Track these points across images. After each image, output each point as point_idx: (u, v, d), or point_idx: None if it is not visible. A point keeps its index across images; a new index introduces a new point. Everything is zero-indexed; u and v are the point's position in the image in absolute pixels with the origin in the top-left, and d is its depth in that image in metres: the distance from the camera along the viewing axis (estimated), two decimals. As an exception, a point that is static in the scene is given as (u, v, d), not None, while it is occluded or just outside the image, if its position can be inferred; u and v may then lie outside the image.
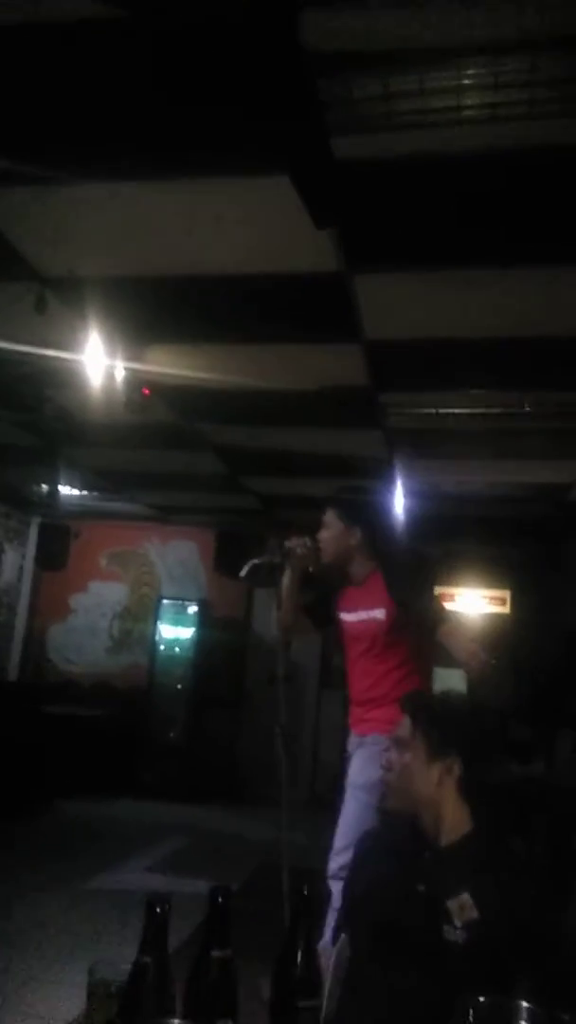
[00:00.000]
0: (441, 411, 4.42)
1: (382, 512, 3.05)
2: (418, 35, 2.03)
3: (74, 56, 2.07)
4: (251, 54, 1.93)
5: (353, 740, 2.85)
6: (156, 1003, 0.98)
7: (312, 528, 2.94)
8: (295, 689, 8.37)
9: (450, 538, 7.47)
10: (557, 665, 6.74)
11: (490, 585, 7.86)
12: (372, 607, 2.79)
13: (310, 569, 2.97)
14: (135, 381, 4.06)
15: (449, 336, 3.58)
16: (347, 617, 2.88)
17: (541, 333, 3.49)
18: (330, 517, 2.90)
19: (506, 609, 7.80)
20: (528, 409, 4.14)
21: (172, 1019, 0.93)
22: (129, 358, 3.83)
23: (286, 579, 2.96)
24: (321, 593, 3.04)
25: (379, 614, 2.77)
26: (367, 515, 2.94)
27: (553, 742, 5.71)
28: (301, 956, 1.12)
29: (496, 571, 7.74)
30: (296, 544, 2.90)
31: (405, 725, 1.63)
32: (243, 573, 3.00)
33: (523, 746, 5.14)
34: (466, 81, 2.18)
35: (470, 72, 2.16)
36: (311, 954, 1.13)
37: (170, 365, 3.98)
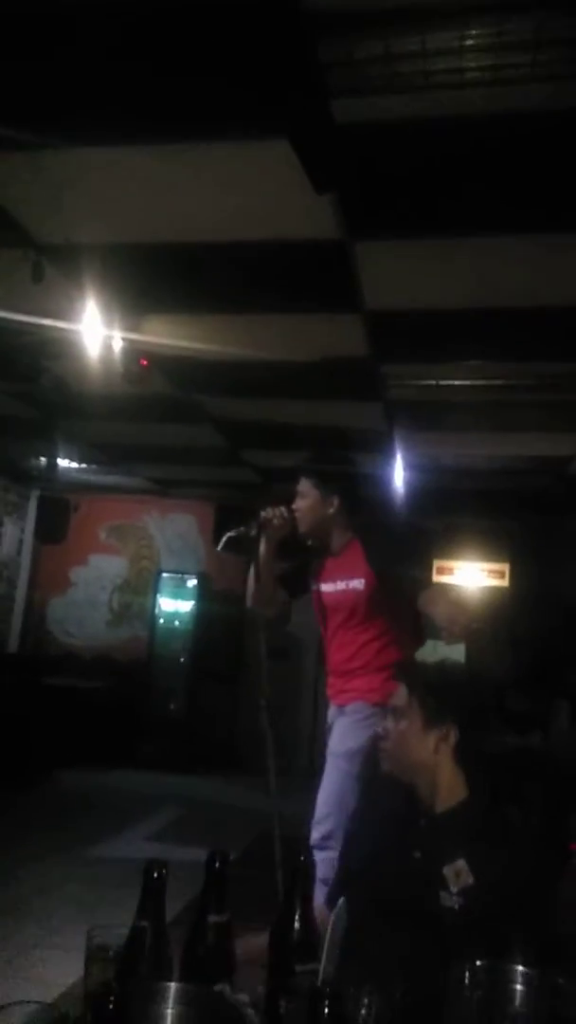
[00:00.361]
0: (441, 383, 4.39)
1: (359, 479, 3.00)
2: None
3: (71, 18, 2.02)
4: (249, 15, 1.88)
5: (333, 710, 2.83)
6: (153, 966, 0.99)
7: (288, 498, 2.90)
8: (292, 663, 8.42)
9: (449, 511, 7.47)
10: (555, 637, 6.78)
11: (489, 558, 7.86)
12: (351, 577, 2.76)
13: (286, 539, 2.93)
14: (132, 352, 4.02)
15: (450, 306, 3.55)
16: (325, 588, 2.84)
17: (543, 303, 3.45)
18: (305, 486, 2.85)
19: (505, 582, 7.82)
20: (530, 381, 4.10)
21: (169, 982, 0.94)
22: (126, 328, 3.79)
23: (261, 550, 2.90)
24: (297, 563, 2.99)
25: (358, 584, 2.74)
26: (344, 483, 2.89)
27: (550, 713, 5.75)
28: (298, 921, 1.12)
29: (495, 544, 7.74)
30: (271, 515, 2.84)
31: (401, 693, 1.63)
32: (220, 546, 2.97)
33: (520, 716, 5.17)
34: (469, 42, 2.13)
35: (473, 32, 2.11)
36: (308, 919, 1.14)
37: (168, 335, 3.94)
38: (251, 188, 2.68)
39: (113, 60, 2.09)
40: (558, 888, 1.73)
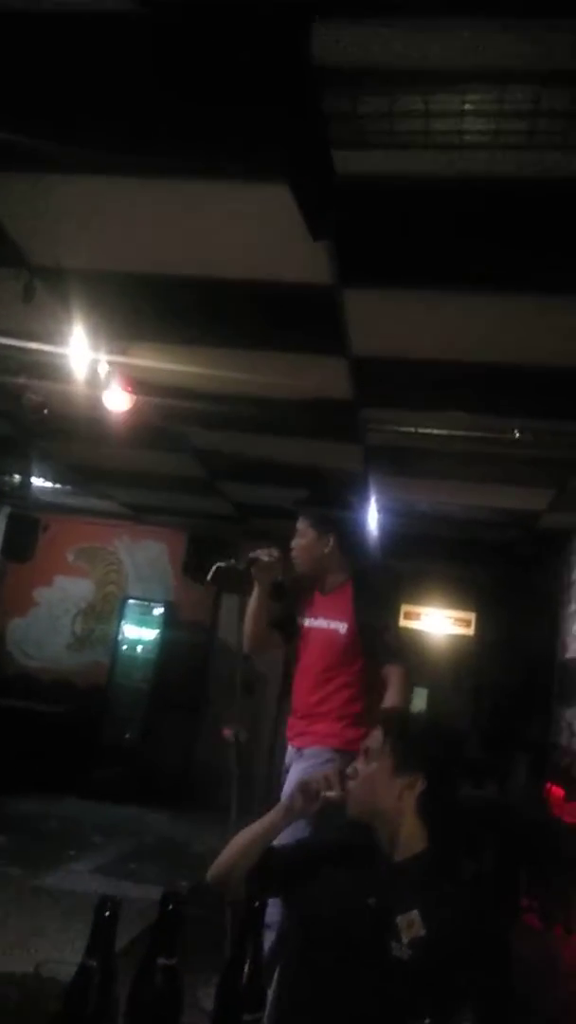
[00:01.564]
0: (420, 430, 4.44)
1: (355, 519, 3.03)
2: (426, 56, 2.05)
3: (80, 47, 2.05)
4: (261, 60, 1.93)
5: (291, 753, 2.81)
6: (99, 1007, 0.97)
7: (286, 539, 2.91)
8: (255, 699, 8.35)
9: (420, 556, 7.51)
10: (516, 689, 6.80)
11: (456, 606, 7.90)
12: (335, 618, 2.77)
13: (277, 580, 2.93)
14: (118, 377, 4.03)
15: (434, 357, 3.61)
16: (308, 623, 2.84)
17: (526, 361, 3.53)
18: (303, 525, 2.88)
19: (471, 631, 7.85)
20: (518, 436, 4.18)
21: (114, 1026, 0.92)
22: (113, 354, 3.81)
23: (254, 593, 2.90)
24: (288, 604, 3.01)
25: (341, 627, 2.75)
26: (340, 522, 2.91)
27: (509, 765, 5.74)
28: (247, 969, 1.10)
29: (463, 592, 7.79)
30: (262, 553, 2.85)
31: (377, 737, 1.65)
32: (209, 577, 2.96)
33: (478, 767, 5.17)
34: (469, 106, 2.20)
35: (474, 97, 2.19)
36: (257, 967, 1.12)
37: (155, 364, 3.96)
38: (248, 228, 2.72)
39: (122, 94, 2.13)
40: (509, 943, 1.72)
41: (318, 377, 3.97)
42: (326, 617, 2.79)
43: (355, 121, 2.18)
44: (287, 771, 2.81)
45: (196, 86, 2.03)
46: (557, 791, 5.30)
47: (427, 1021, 0.94)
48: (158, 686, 7.99)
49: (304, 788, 1.65)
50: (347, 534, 2.90)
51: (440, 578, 7.78)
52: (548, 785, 5.74)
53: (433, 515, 6.35)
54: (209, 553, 8.65)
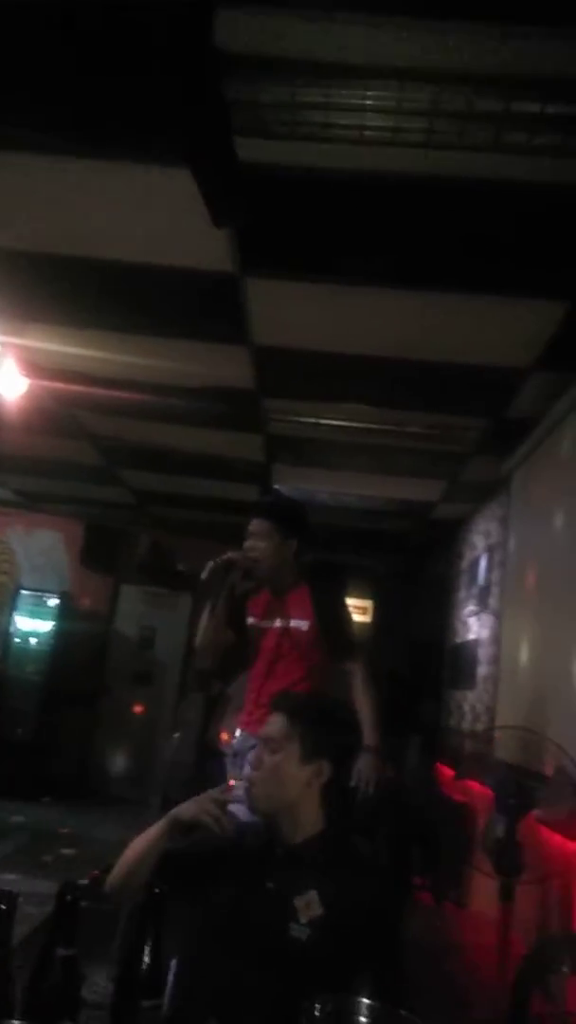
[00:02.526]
0: (321, 422, 4.50)
1: (308, 521, 3.01)
2: (327, 49, 2.07)
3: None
4: (163, 43, 1.91)
5: (245, 738, 2.78)
6: (-6, 1003, 0.95)
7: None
8: (155, 690, 8.28)
9: (319, 546, 7.60)
10: (411, 675, 7.00)
11: (354, 595, 8.06)
12: (296, 617, 2.79)
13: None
14: (12, 360, 3.90)
15: (335, 349, 3.66)
16: (262, 624, 2.84)
17: (420, 357, 3.62)
18: (262, 527, 2.81)
19: (367, 619, 8.03)
20: (403, 428, 4.28)
21: (11, 1020, 0.90)
22: (7, 335, 3.68)
23: (220, 600, 2.87)
24: (237, 602, 2.97)
25: (303, 625, 2.77)
26: (300, 527, 2.90)
27: (403, 748, 5.92)
28: (146, 956, 1.10)
29: (361, 582, 7.95)
30: (236, 556, 2.82)
31: (279, 723, 1.62)
32: (205, 574, 2.88)
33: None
34: (369, 102, 2.24)
35: (374, 94, 2.22)
36: (156, 953, 1.12)
37: (51, 347, 3.85)
38: (150, 212, 2.69)
39: (24, 68, 2.06)
40: (403, 921, 1.78)
41: (220, 365, 3.96)
42: (283, 618, 2.80)
43: (257, 110, 2.18)
44: (238, 755, 2.79)
45: (99, 64, 1.99)
46: (447, 771, 5.51)
47: (326, 997, 0.96)
48: (53, 679, 7.79)
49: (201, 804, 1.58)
50: (306, 540, 2.90)
51: (340, 568, 7.91)
52: (438, 766, 5.96)
53: (332, 505, 6.44)
54: (108, 542, 8.51)
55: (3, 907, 0.98)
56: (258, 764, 1.61)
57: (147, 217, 2.74)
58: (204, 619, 2.92)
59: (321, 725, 1.64)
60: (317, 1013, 0.91)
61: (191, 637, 8.17)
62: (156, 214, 2.71)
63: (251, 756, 1.64)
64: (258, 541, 2.82)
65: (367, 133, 2.30)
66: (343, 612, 2.89)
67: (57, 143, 2.42)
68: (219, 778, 2.95)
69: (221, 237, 2.69)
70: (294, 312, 3.34)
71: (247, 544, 2.83)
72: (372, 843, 4.54)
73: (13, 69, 2.11)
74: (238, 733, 2.85)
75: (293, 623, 2.77)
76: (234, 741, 2.85)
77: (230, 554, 2.85)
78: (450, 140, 2.25)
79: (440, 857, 5.00)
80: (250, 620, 2.87)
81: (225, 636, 2.94)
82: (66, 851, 5.67)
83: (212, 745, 5.99)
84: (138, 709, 8.29)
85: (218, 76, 1.95)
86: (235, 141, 2.11)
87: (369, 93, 2.22)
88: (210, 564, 2.87)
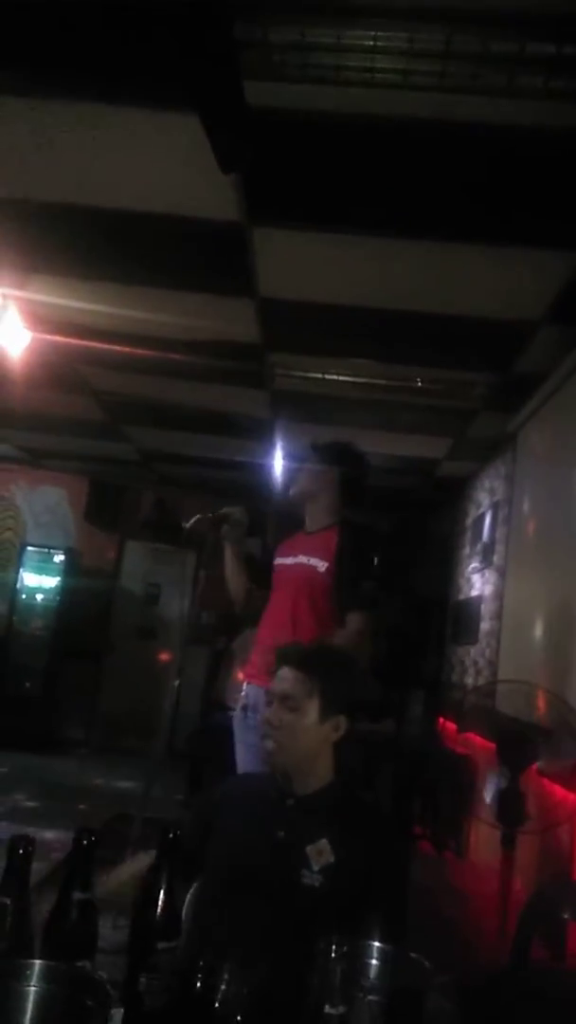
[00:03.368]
0: (327, 377, 4.46)
1: (362, 468, 3.07)
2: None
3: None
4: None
5: (254, 693, 2.74)
6: (14, 943, 0.97)
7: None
8: (160, 643, 8.36)
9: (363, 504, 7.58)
10: (414, 630, 7.06)
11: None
12: (315, 556, 2.78)
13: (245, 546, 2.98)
14: (14, 312, 3.85)
15: (342, 302, 3.60)
16: (280, 561, 2.87)
17: (431, 310, 3.57)
18: (311, 457, 2.97)
19: (371, 576, 8.05)
20: (419, 384, 4.24)
21: (31, 960, 0.92)
22: (9, 287, 3.63)
23: (226, 553, 2.94)
24: (267, 554, 3.04)
25: (320, 565, 2.76)
26: (346, 460, 2.97)
27: (405, 702, 5.99)
28: (162, 898, 1.12)
29: (365, 538, 7.95)
30: (232, 511, 2.91)
31: (296, 680, 1.60)
32: (188, 525, 2.95)
33: (375, 704, 5.36)
34: (380, 43, 2.17)
35: (385, 35, 2.15)
36: (172, 897, 1.14)
37: (54, 298, 3.80)
38: (155, 159, 2.62)
39: (27, 10, 1.99)
40: (407, 865, 1.82)
41: (225, 319, 3.91)
42: (306, 554, 2.81)
43: (267, 52, 2.12)
44: (248, 709, 2.77)
45: (105, 6, 1.92)
46: (449, 725, 5.58)
47: (340, 939, 0.98)
48: (59, 634, 7.88)
49: None
50: (348, 476, 2.95)
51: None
52: (441, 720, 6.04)
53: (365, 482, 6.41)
54: (113, 498, 8.51)
55: (20, 851, 0.99)
56: (277, 722, 1.59)
57: (152, 164, 2.68)
58: (228, 579, 2.97)
59: (339, 681, 1.64)
60: (333, 954, 0.93)
61: (195, 593, 8.23)
62: (162, 161, 2.65)
63: (267, 713, 1.63)
64: (304, 469, 2.98)
65: (378, 76, 2.23)
66: (362, 564, 2.84)
67: (62, 88, 2.35)
68: (226, 731, 2.99)
69: (227, 185, 2.63)
70: (301, 263, 3.28)
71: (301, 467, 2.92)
72: (374, 793, 4.63)
73: (14, 13, 2.04)
74: (246, 686, 2.86)
75: (311, 560, 2.78)
76: (243, 695, 2.86)
77: (226, 509, 2.91)
78: (463, 83, 2.19)
79: (441, 808, 5.09)
80: (276, 560, 2.90)
81: (249, 592, 2.98)
82: (73, 802, 5.78)
83: (218, 698, 6.08)
84: (142, 664, 8.38)
85: (228, 17, 1.89)
86: (244, 83, 2.04)
87: (380, 34, 2.15)
88: (197, 516, 2.93)
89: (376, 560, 2.99)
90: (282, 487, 3.01)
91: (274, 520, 3.06)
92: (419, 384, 4.46)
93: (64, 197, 2.99)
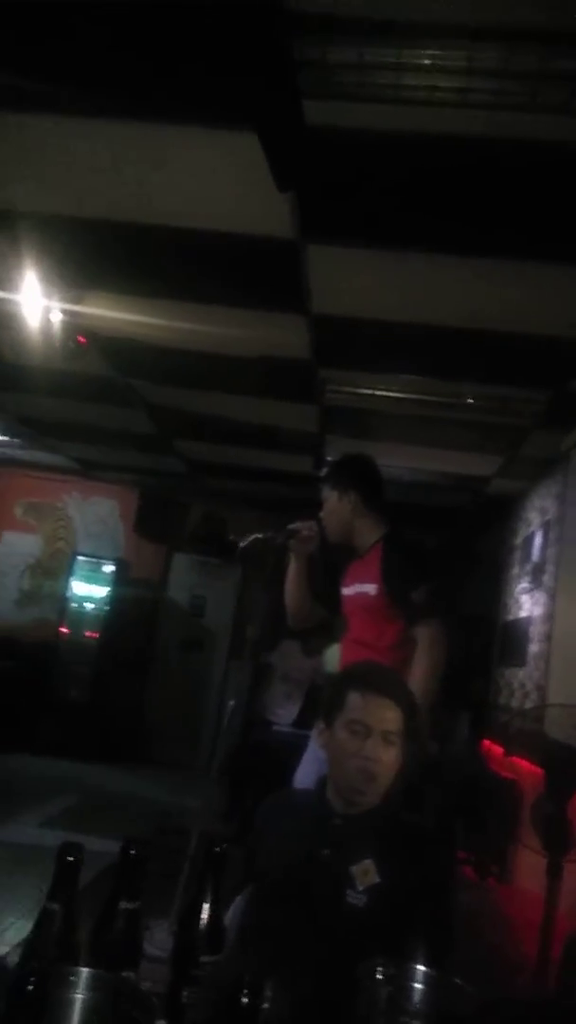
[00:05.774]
0: (378, 393, 4.45)
1: (374, 474, 2.96)
2: (397, 8, 2.01)
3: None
4: (232, 3, 1.87)
5: None
6: (61, 951, 0.98)
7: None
8: (205, 655, 8.40)
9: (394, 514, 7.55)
10: (460, 651, 6.96)
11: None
12: (365, 581, 2.72)
13: (314, 556, 2.89)
14: (71, 327, 3.93)
15: (395, 318, 3.60)
16: (344, 591, 2.81)
17: (482, 326, 3.54)
18: (326, 492, 2.84)
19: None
20: (471, 401, 4.21)
21: (79, 968, 0.93)
22: (67, 302, 3.71)
23: (292, 566, 2.87)
24: (331, 576, 2.96)
25: (371, 588, 2.69)
26: (358, 478, 2.87)
27: (451, 723, 5.91)
28: (206, 911, 1.13)
29: (411, 556, 7.88)
30: (300, 526, 2.81)
31: (398, 718, 1.60)
32: (243, 544, 2.90)
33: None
34: (440, 62, 2.17)
35: (445, 53, 2.16)
36: (216, 910, 1.14)
37: (109, 314, 3.87)
38: (211, 177, 2.66)
39: (86, 30, 2.05)
40: (452, 892, 1.79)
41: (276, 334, 3.94)
42: (359, 582, 2.74)
43: (326, 71, 2.14)
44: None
45: (166, 26, 1.96)
46: (495, 748, 5.48)
47: (384, 962, 0.97)
48: (108, 643, 7.97)
49: None
50: (368, 491, 2.85)
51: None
52: (486, 742, 5.93)
53: (385, 479, 6.38)
54: (162, 510, 8.60)
55: (70, 858, 1.00)
56: (377, 757, 1.58)
57: (208, 182, 2.72)
58: (287, 600, 2.93)
59: (416, 712, 1.66)
60: (379, 976, 0.92)
61: (240, 606, 8.25)
62: (218, 179, 2.68)
63: (368, 747, 1.59)
64: (324, 507, 2.83)
65: (436, 94, 2.24)
66: (408, 573, 2.73)
67: (119, 108, 2.40)
68: (269, 748, 2.97)
69: (283, 202, 2.65)
70: (354, 280, 3.29)
71: (320, 513, 2.86)
72: (418, 815, 4.55)
73: (77, 33, 2.10)
74: None
75: (364, 587, 2.72)
76: None
77: (295, 524, 2.84)
78: (522, 101, 2.18)
79: (485, 832, 4.99)
80: (343, 590, 2.86)
81: (310, 611, 2.93)
82: (117, 810, 5.82)
83: (260, 713, 6.07)
84: (187, 675, 8.42)
85: (287, 37, 1.91)
86: (302, 102, 2.06)
87: (439, 53, 2.16)
88: (252, 536, 2.87)
89: (421, 567, 2.86)
90: (321, 536, 2.89)
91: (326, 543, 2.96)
92: (470, 401, 4.42)
93: (121, 214, 3.05)
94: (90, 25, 2.07)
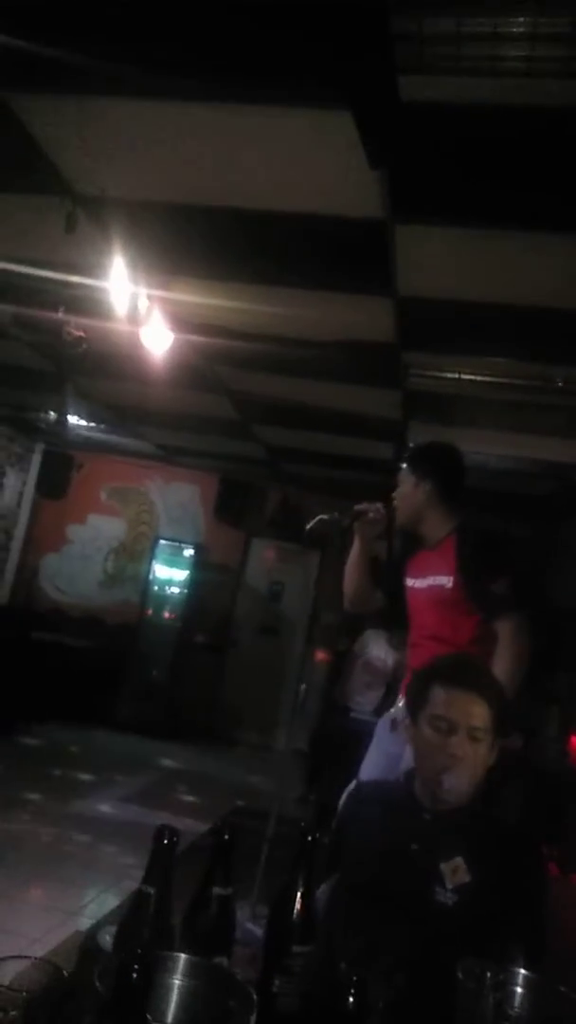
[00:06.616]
0: (463, 377, 4.34)
1: (456, 466, 2.88)
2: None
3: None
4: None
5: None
6: (154, 934, 0.98)
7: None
8: (283, 640, 8.44)
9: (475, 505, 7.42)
10: (545, 644, 6.78)
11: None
12: (440, 572, 2.63)
13: (378, 537, 2.84)
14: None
15: (484, 299, 3.49)
16: (411, 583, 2.74)
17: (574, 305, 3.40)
18: (403, 474, 2.78)
19: (501, 583, 7.80)
20: (561, 384, 4.06)
21: (174, 952, 0.93)
22: (154, 288, 3.74)
23: (354, 547, 2.82)
24: (395, 563, 2.90)
25: (447, 582, 2.61)
26: (437, 468, 2.79)
27: (538, 718, 5.77)
28: (299, 900, 1.11)
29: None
30: (367, 507, 2.78)
31: (486, 714, 1.56)
32: (309, 526, 2.89)
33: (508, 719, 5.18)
34: (541, 30, 2.08)
35: (545, 20, 2.06)
36: (310, 899, 1.12)
37: (194, 300, 3.89)
38: (301, 158, 2.62)
39: (178, 9, 2.04)
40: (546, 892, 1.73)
41: (361, 317, 3.88)
42: (433, 574, 2.67)
43: (421, 44, 2.07)
44: (396, 724, 2.66)
45: (256, 3, 1.93)
46: (581, 744, 5.32)
47: (489, 965, 0.93)
48: (186, 625, 8.10)
49: None
50: (444, 482, 2.77)
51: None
52: (572, 738, 5.76)
53: (470, 466, 6.23)
54: (242, 496, 8.67)
55: (165, 841, 1.00)
56: (462, 754, 1.54)
57: (296, 163, 2.68)
58: (346, 581, 2.89)
59: (504, 707, 1.60)
60: (488, 980, 0.89)
61: (318, 592, 8.25)
62: (306, 159, 2.64)
63: (452, 744, 1.55)
64: (399, 487, 2.77)
65: (535, 64, 2.14)
66: (486, 565, 2.63)
67: (207, 89, 2.38)
68: (347, 733, 2.95)
69: (372, 181, 2.60)
70: (443, 261, 3.20)
71: (394, 493, 2.80)
72: (501, 810, 4.47)
73: (165, 12, 2.09)
74: (401, 702, 2.77)
75: (438, 579, 2.64)
76: (395, 709, 2.77)
77: (361, 505, 2.80)
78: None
79: (570, 828, 4.86)
80: (407, 581, 2.80)
81: (369, 595, 2.89)
82: (193, 790, 5.92)
83: (340, 700, 6.06)
84: (264, 660, 8.48)
85: (384, 11, 1.86)
86: (396, 77, 2.01)
87: (541, 19, 2.06)
88: (317, 517, 2.83)
89: (501, 558, 2.74)
90: (392, 519, 2.81)
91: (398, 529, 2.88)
92: (560, 384, 4.27)
93: (207, 199, 3.05)
94: (179, 6, 2.05)
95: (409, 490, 2.77)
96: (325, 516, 2.89)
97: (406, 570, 2.80)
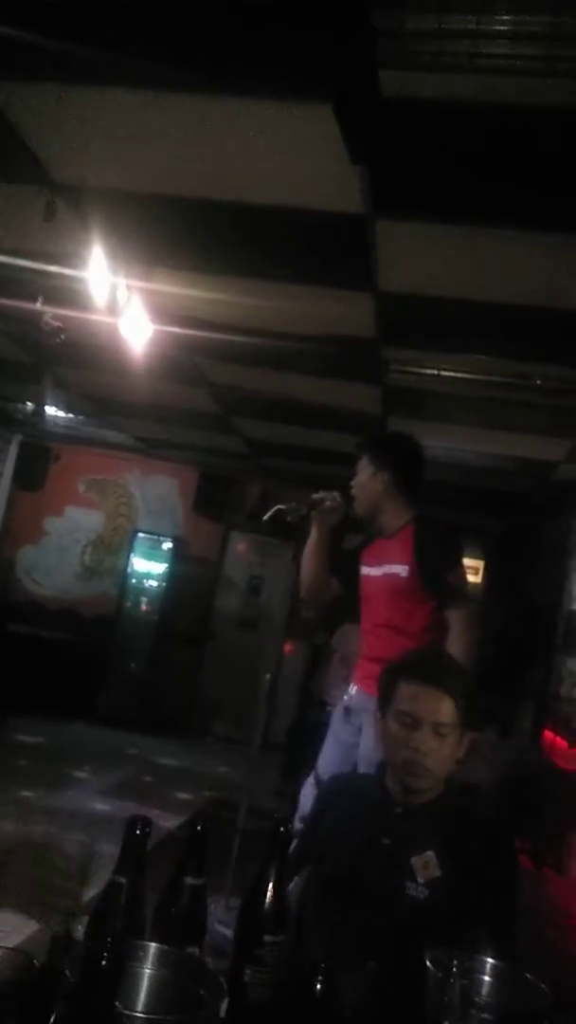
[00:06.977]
0: (443, 373, 4.36)
1: (414, 458, 2.91)
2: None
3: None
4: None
5: (362, 698, 2.66)
6: (126, 924, 0.98)
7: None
8: (261, 635, 8.44)
9: (430, 503, 7.47)
10: (521, 639, 6.85)
11: (466, 555, 7.91)
12: (395, 561, 2.67)
13: (336, 526, 2.85)
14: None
15: (464, 296, 3.51)
16: (366, 571, 2.76)
17: (557, 305, 3.43)
18: (361, 463, 2.79)
19: (478, 579, 7.88)
20: (539, 382, 4.09)
21: (145, 942, 0.93)
22: (133, 278, 3.72)
23: (312, 536, 2.84)
24: (350, 551, 2.93)
25: (401, 570, 2.65)
26: (395, 460, 2.81)
27: (513, 712, 5.82)
28: (271, 891, 1.12)
29: (473, 541, 7.79)
30: (324, 496, 2.79)
31: (450, 709, 1.57)
32: (267, 516, 2.89)
33: (481, 713, 5.23)
34: (521, 28, 2.08)
35: (528, 19, 2.07)
36: (281, 890, 1.13)
37: (174, 291, 3.87)
38: (282, 151, 2.61)
39: (161, 2, 2.02)
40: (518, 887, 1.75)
41: (342, 313, 3.88)
42: (388, 562, 2.70)
43: (403, 39, 2.07)
44: (349, 712, 2.71)
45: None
46: (555, 739, 5.38)
47: (456, 953, 0.94)
48: (164, 618, 8.09)
49: None
50: (403, 473, 2.81)
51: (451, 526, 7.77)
52: (546, 733, 5.83)
53: (447, 462, 6.28)
54: (221, 490, 8.66)
55: (137, 831, 1.00)
56: (427, 749, 1.55)
57: (277, 156, 2.67)
58: (302, 571, 2.91)
59: (472, 699, 1.61)
60: (455, 968, 0.90)
61: (296, 586, 8.27)
62: (287, 153, 2.64)
63: (416, 739, 1.56)
64: (355, 477, 2.79)
65: (517, 63, 2.15)
66: (443, 555, 2.71)
67: (189, 81, 2.37)
68: (323, 727, 2.96)
69: (353, 176, 2.60)
70: (424, 256, 3.21)
71: (352, 482, 2.81)
72: (474, 803, 4.51)
73: (146, 1, 2.08)
74: (353, 689, 2.79)
75: (394, 568, 2.67)
76: (347, 697, 2.80)
77: (319, 494, 2.81)
78: (608, 68, 2.08)
79: (543, 822, 4.92)
80: (362, 569, 2.82)
81: (326, 584, 2.91)
82: (170, 782, 5.92)
83: (316, 694, 6.08)
84: (242, 653, 8.49)
85: (366, 5, 1.86)
86: (377, 72, 2.01)
87: (520, 19, 2.07)
88: (275, 508, 2.84)
89: (457, 549, 2.85)
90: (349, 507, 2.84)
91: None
92: (539, 383, 4.30)
93: (188, 190, 3.03)
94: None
95: (367, 479, 2.79)
96: (283, 505, 2.89)
97: (361, 558, 2.82)
